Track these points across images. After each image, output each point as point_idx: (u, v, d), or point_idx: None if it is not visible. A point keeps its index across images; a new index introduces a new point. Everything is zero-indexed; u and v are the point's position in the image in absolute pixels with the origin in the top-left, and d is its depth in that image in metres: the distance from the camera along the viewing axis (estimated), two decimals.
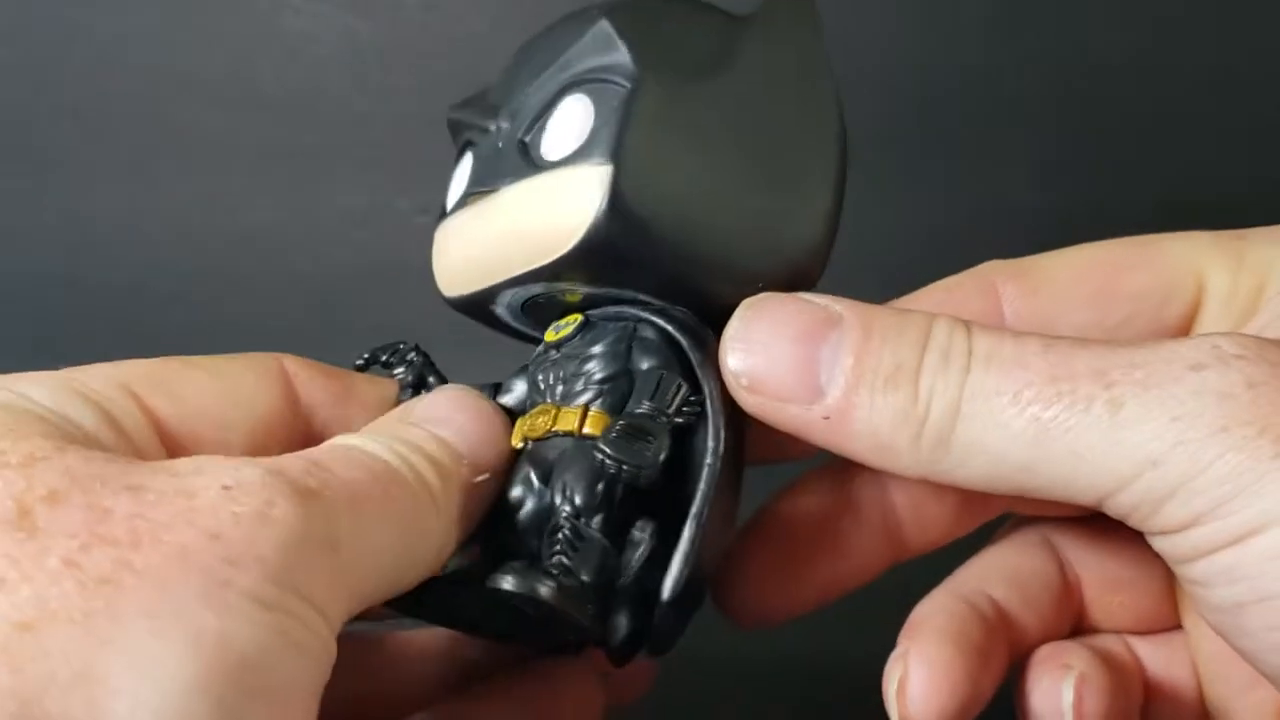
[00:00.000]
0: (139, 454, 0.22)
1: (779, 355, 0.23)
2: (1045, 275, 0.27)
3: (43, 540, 0.18)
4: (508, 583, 0.23)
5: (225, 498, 0.19)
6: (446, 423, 0.25)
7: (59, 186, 0.54)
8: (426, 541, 0.23)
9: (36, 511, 0.18)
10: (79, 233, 0.54)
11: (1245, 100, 0.53)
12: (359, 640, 0.28)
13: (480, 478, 0.24)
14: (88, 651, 0.17)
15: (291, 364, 0.27)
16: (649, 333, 0.25)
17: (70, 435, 0.21)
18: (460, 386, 0.27)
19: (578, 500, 0.23)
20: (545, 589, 0.22)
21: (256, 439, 0.25)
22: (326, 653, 0.19)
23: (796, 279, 0.25)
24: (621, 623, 0.24)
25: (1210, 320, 0.26)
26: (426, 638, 0.30)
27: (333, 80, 0.54)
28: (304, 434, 0.27)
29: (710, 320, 0.25)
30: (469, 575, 0.24)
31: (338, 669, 0.20)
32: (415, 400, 0.26)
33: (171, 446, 0.24)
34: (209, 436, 0.24)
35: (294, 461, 0.21)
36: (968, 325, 0.23)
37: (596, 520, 0.23)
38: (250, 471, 0.20)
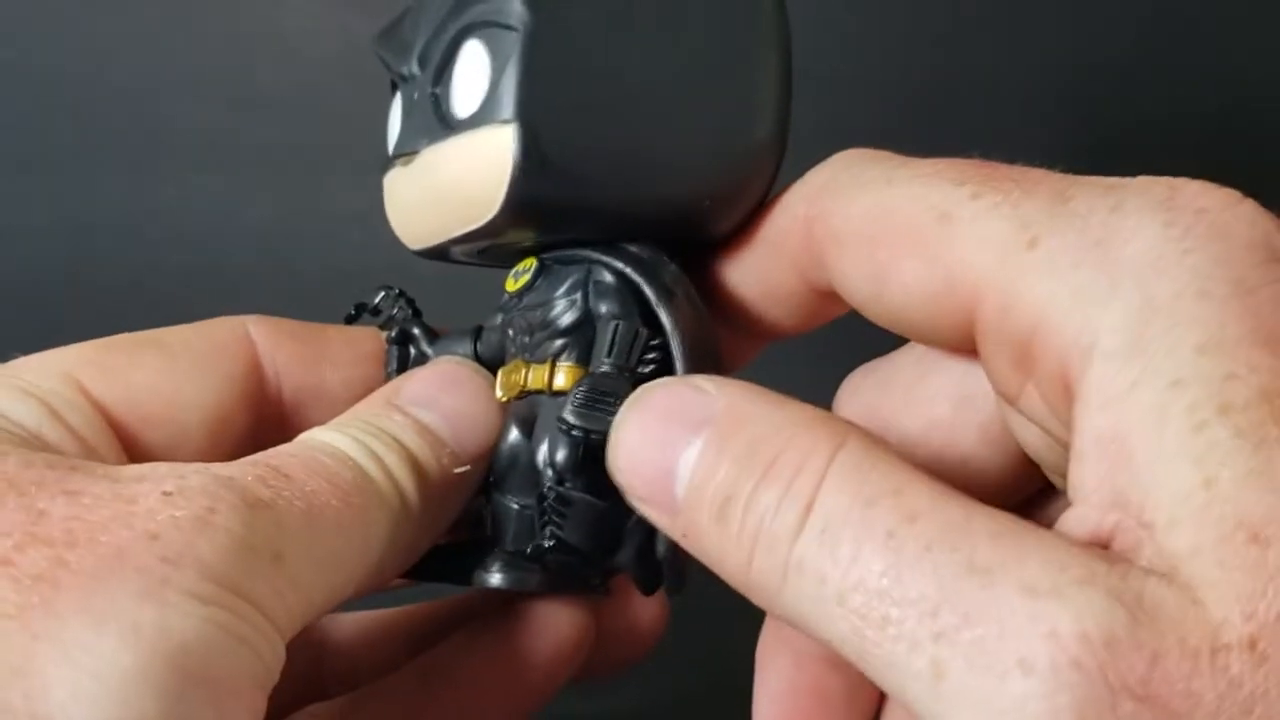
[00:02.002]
0: (86, 447, 0.22)
1: (641, 462, 0.21)
2: (842, 225, 0.23)
3: None
4: (494, 579, 0.22)
5: (165, 502, 0.19)
6: (434, 406, 0.24)
7: (59, 186, 0.54)
8: (393, 545, 0.22)
9: None
10: (79, 233, 0.54)
11: (1245, 100, 0.53)
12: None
13: (461, 469, 0.24)
14: (23, 645, 0.17)
15: (257, 327, 0.26)
16: (604, 275, 0.24)
17: (13, 435, 0.21)
18: (455, 359, 0.26)
19: (558, 464, 0.23)
20: (533, 580, 0.22)
21: (217, 417, 0.25)
22: (273, 652, 0.19)
23: (745, 188, 0.24)
24: (633, 559, 0.23)
25: (985, 359, 0.22)
26: (386, 616, 0.29)
27: (333, 80, 0.54)
28: (275, 403, 0.26)
29: (668, 244, 0.24)
30: (476, 537, 0.24)
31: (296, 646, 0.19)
32: (405, 377, 0.25)
33: (123, 433, 0.23)
34: (163, 419, 0.24)
35: (249, 468, 0.20)
36: (834, 449, 0.19)
37: (583, 480, 0.23)
38: (195, 478, 0.19)
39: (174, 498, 0.19)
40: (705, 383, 0.21)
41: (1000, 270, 0.20)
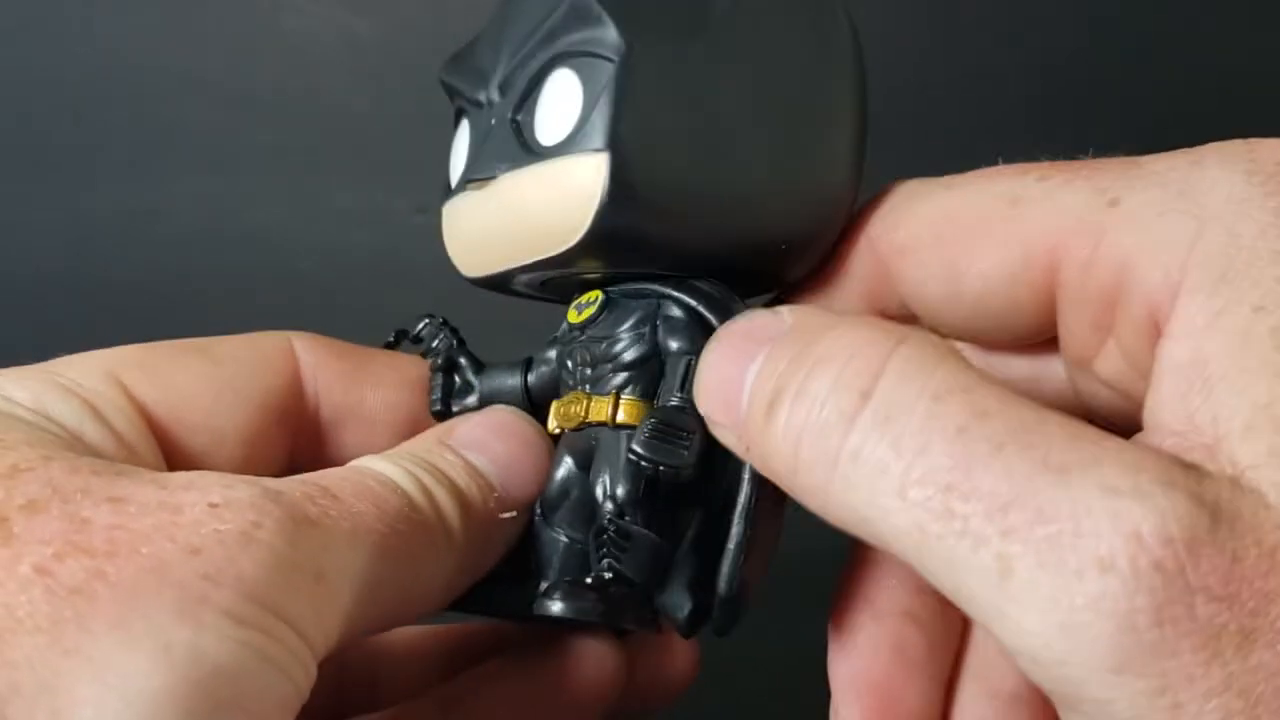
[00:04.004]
0: (126, 445, 0.22)
1: (714, 381, 0.21)
2: (910, 233, 0.23)
3: (16, 547, 0.17)
4: (556, 608, 0.22)
5: (210, 514, 0.19)
6: (485, 450, 0.24)
7: (59, 186, 0.54)
8: (434, 579, 0.22)
9: (13, 519, 0.18)
10: (79, 233, 0.54)
11: (1245, 100, 0.53)
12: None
13: (508, 515, 0.24)
14: (53, 662, 0.16)
15: (301, 343, 0.26)
16: (674, 310, 0.24)
17: (56, 438, 0.21)
18: (507, 409, 0.26)
19: (619, 497, 0.23)
20: (593, 608, 0.22)
21: (255, 426, 0.25)
22: (306, 674, 0.19)
23: (822, 231, 0.25)
24: (683, 599, 0.23)
25: (1063, 326, 0.22)
26: (410, 634, 0.29)
27: (333, 80, 0.54)
28: (312, 419, 0.26)
29: (738, 285, 0.24)
30: (516, 572, 0.24)
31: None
32: (459, 420, 0.25)
33: (162, 435, 0.23)
34: (202, 424, 0.24)
35: (298, 485, 0.20)
36: (895, 344, 0.18)
37: (641, 514, 0.23)
38: (243, 490, 0.19)
39: (220, 510, 0.19)
40: (783, 308, 0.21)
41: (1082, 230, 0.20)
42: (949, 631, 0.25)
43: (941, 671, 0.25)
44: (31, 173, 0.53)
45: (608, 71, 0.22)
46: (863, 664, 0.24)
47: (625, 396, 0.24)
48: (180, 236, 0.54)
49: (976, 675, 0.25)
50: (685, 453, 0.22)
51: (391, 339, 0.28)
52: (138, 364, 0.24)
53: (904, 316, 0.25)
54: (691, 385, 0.22)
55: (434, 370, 0.27)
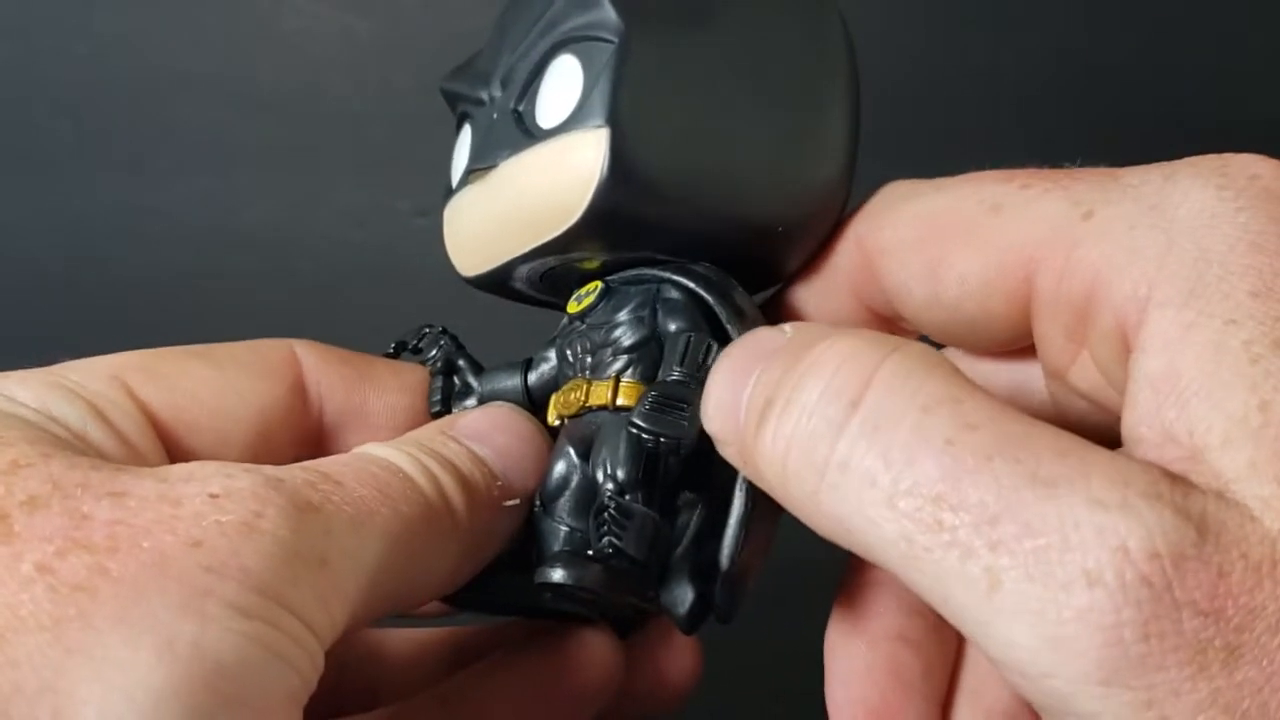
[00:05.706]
0: (130, 447, 0.22)
1: (718, 400, 0.21)
2: (894, 233, 0.23)
3: (17, 545, 0.17)
4: (557, 575, 0.22)
5: (211, 506, 0.18)
6: (487, 441, 0.24)
7: (59, 185, 0.54)
8: (439, 563, 0.22)
9: (14, 517, 0.18)
10: (79, 232, 0.54)
11: (1245, 101, 0.53)
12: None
13: (511, 502, 0.24)
14: (56, 660, 0.16)
15: (303, 349, 0.26)
16: (672, 293, 0.24)
17: (57, 437, 0.21)
18: (507, 405, 0.26)
19: (620, 476, 0.23)
20: (594, 576, 0.22)
21: (259, 429, 0.25)
22: (312, 665, 0.19)
23: (816, 219, 0.25)
24: (684, 593, 0.23)
25: (1038, 335, 0.22)
26: (410, 638, 0.29)
27: (333, 80, 0.54)
28: (315, 423, 0.26)
29: (735, 270, 0.24)
30: (517, 564, 0.24)
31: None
32: (459, 414, 0.26)
33: (167, 437, 0.23)
34: (206, 426, 0.24)
35: (299, 472, 0.20)
36: (885, 354, 0.18)
37: (641, 494, 0.23)
38: (244, 479, 0.19)
39: (220, 500, 0.19)
40: (787, 325, 0.21)
41: (1056, 241, 0.20)
42: (944, 652, 0.25)
43: (937, 692, 0.25)
44: (31, 171, 0.53)
45: (607, 52, 0.22)
46: (859, 688, 0.24)
47: (625, 379, 0.24)
48: (180, 236, 0.54)
49: (971, 695, 0.25)
50: (685, 423, 0.22)
51: (391, 350, 0.28)
52: (142, 368, 0.24)
53: (891, 315, 0.25)
54: (690, 360, 0.22)
55: (433, 374, 0.27)
